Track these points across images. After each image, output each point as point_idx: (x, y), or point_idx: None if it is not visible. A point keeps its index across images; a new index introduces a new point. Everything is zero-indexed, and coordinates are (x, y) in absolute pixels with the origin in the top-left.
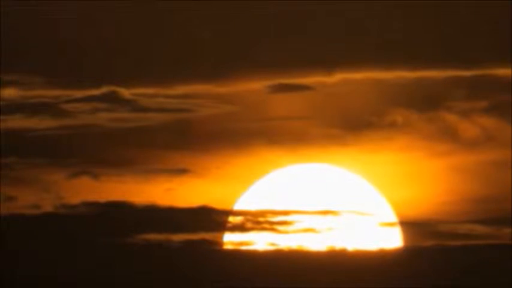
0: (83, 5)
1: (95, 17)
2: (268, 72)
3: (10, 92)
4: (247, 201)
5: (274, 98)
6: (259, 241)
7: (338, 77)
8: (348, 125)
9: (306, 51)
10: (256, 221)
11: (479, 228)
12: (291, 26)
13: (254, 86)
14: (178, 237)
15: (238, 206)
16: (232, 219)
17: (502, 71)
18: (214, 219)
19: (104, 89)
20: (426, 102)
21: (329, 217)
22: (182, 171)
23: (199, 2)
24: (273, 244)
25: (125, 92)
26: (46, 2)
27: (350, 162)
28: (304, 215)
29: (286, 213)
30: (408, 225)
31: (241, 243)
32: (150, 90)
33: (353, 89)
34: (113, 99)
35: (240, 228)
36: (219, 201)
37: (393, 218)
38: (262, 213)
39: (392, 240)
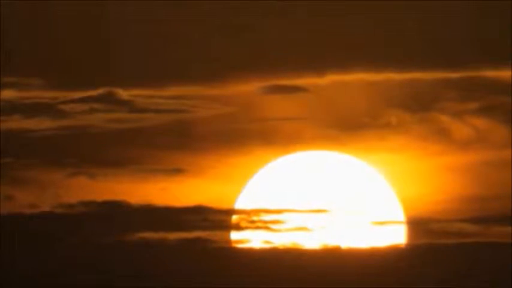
0: (82, 6)
1: (93, 18)
2: (262, 74)
3: (9, 94)
4: (242, 200)
5: (268, 99)
6: (254, 239)
7: (330, 78)
8: (342, 126)
9: (299, 53)
10: (250, 219)
11: (469, 227)
12: (284, 27)
13: (248, 87)
14: (174, 236)
15: (233, 205)
16: (228, 218)
17: (492, 73)
18: (209, 218)
19: (101, 90)
20: (419, 103)
21: (322, 215)
22: (178, 171)
23: (196, 2)
24: (268, 242)
25: (122, 93)
26: (46, 3)
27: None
28: (297, 214)
29: (279, 211)
30: (401, 224)
31: (237, 242)
32: (146, 92)
33: (345, 91)
34: (109, 100)
35: (235, 226)
36: (215, 200)
37: (386, 216)
38: (257, 212)
39: (385, 238)
